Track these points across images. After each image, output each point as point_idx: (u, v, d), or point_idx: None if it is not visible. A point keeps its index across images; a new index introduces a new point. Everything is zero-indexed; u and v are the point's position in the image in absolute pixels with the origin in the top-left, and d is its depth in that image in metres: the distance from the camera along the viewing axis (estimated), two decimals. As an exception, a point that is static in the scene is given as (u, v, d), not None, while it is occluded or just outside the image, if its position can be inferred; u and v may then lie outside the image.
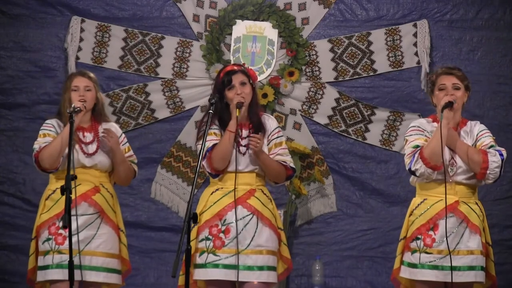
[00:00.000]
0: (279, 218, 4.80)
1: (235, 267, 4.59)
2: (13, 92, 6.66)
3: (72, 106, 4.69)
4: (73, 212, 4.60)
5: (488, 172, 4.58)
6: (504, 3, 6.67)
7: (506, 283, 6.02)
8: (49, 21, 6.71)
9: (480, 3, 6.68)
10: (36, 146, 4.79)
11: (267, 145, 4.77)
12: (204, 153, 4.59)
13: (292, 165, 4.78)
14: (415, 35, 6.68)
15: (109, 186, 4.91)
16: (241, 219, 4.64)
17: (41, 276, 4.74)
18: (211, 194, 4.71)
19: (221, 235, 4.63)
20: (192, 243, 4.61)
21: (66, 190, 4.21)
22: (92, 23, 6.71)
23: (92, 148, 4.85)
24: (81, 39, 6.69)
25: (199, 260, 4.63)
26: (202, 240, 4.65)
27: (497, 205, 6.42)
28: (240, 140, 4.70)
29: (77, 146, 4.79)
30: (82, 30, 6.70)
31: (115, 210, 4.88)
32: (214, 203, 4.67)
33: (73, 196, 4.59)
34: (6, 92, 6.66)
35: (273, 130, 4.80)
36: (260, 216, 4.67)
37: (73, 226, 4.61)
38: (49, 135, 4.81)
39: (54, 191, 4.80)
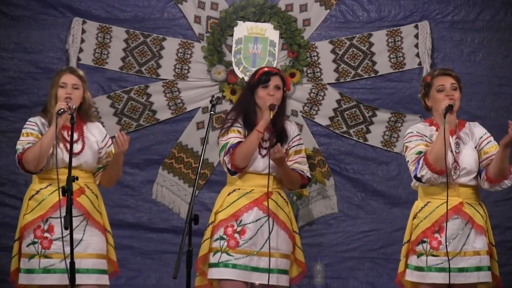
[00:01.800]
0: (294, 221, 4.81)
1: (247, 268, 4.61)
2: (15, 94, 6.66)
3: (75, 107, 4.61)
4: (57, 214, 4.59)
5: (499, 183, 4.62)
6: (506, 5, 6.67)
7: (507, 284, 6.01)
8: (51, 23, 6.71)
9: (482, 5, 6.68)
10: (19, 147, 4.69)
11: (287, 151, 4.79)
12: (227, 148, 4.62)
13: (308, 174, 4.83)
14: (416, 36, 6.68)
15: (94, 187, 4.81)
16: (257, 220, 4.65)
17: (25, 279, 4.66)
18: (228, 195, 4.72)
19: (236, 235, 4.64)
20: (206, 243, 4.64)
21: (67, 191, 4.19)
22: (94, 25, 6.71)
23: (77, 147, 4.73)
24: (82, 41, 6.69)
25: (213, 259, 4.65)
26: (217, 239, 4.67)
27: (498, 206, 6.42)
28: (261, 141, 4.72)
29: (61, 145, 4.68)
30: (83, 31, 6.69)
31: (101, 211, 4.79)
32: (230, 204, 4.68)
33: (55, 199, 4.57)
34: (8, 93, 6.66)
35: (294, 137, 4.83)
36: (275, 219, 4.68)
37: (58, 229, 4.58)
38: (31, 134, 4.71)
39: (38, 191, 4.71)
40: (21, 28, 6.67)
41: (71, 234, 4.25)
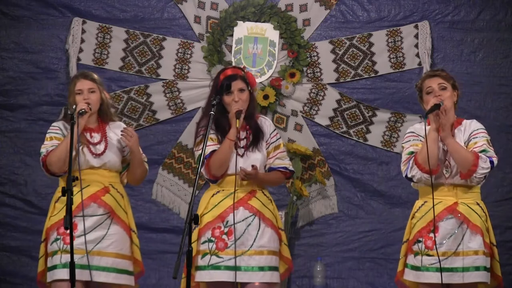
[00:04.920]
0: (279, 218, 4.81)
1: (238, 268, 4.60)
2: (15, 94, 6.67)
3: (75, 107, 4.63)
4: (81, 213, 4.62)
5: (474, 175, 4.59)
6: (506, 5, 6.67)
7: (508, 284, 6.01)
8: (51, 23, 6.72)
9: (482, 5, 6.68)
10: (43, 150, 4.74)
11: (267, 148, 4.78)
12: (202, 159, 4.59)
13: (291, 168, 4.82)
14: (416, 36, 6.68)
15: (119, 186, 4.86)
16: (243, 220, 4.65)
17: (49, 276, 4.70)
18: (212, 196, 4.71)
19: (224, 236, 4.63)
20: (193, 245, 4.60)
21: (67, 191, 4.20)
22: (94, 25, 6.71)
23: (100, 148, 4.80)
24: (82, 41, 6.70)
25: (201, 262, 4.63)
26: (205, 242, 4.64)
27: (498, 206, 6.42)
28: (238, 142, 4.71)
29: (85, 148, 4.75)
30: (83, 31, 6.70)
31: (126, 210, 4.84)
32: (215, 206, 4.67)
33: (79, 199, 4.60)
34: (8, 93, 6.67)
35: (271, 133, 4.81)
36: (261, 217, 4.68)
37: (81, 227, 4.63)
38: (55, 138, 4.77)
39: None
40: (21, 28, 6.68)
41: (71, 234, 4.26)
